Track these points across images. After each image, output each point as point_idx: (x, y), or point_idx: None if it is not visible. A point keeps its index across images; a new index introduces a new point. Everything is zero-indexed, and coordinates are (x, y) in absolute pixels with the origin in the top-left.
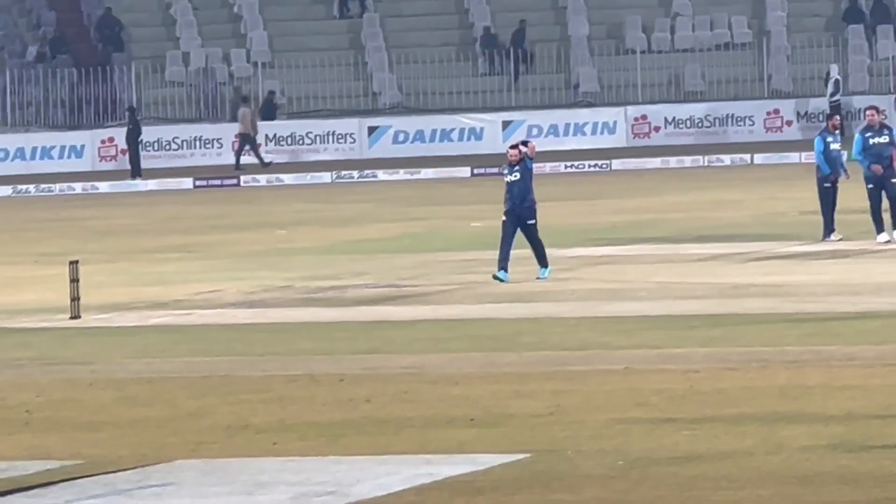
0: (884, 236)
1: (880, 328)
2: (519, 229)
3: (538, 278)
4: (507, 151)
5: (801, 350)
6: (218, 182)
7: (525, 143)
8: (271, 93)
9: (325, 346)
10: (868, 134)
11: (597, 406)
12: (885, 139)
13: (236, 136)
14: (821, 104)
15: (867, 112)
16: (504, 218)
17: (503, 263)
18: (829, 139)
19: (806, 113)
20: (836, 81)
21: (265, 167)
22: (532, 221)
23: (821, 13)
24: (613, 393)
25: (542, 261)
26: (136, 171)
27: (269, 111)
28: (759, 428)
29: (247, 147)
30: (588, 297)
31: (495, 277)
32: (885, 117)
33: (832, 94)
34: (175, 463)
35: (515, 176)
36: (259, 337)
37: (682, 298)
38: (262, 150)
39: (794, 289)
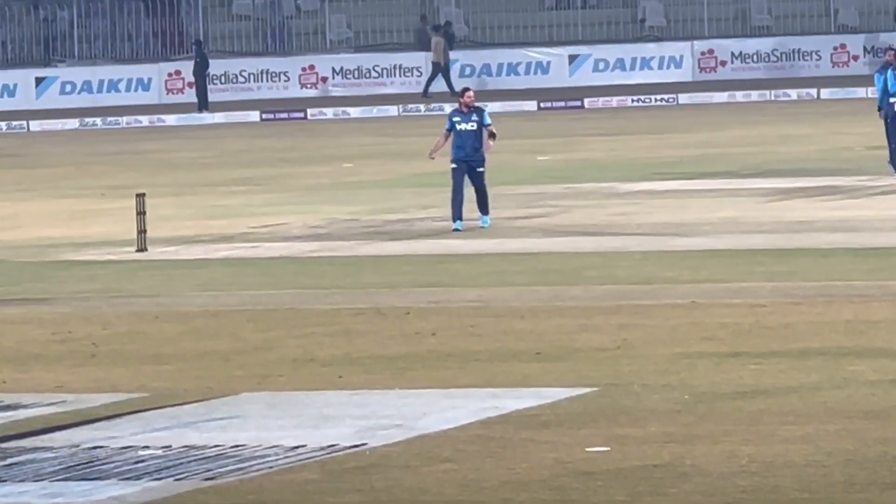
0: None
1: None
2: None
3: (480, 227)
4: (464, 94)
5: (868, 285)
6: (285, 115)
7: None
8: (447, 23)
9: (391, 279)
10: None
11: (662, 340)
12: None
13: (432, 64)
14: (889, 39)
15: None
16: (454, 166)
17: (459, 213)
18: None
19: (873, 48)
20: None
21: (454, 95)
22: (482, 169)
23: None
24: (679, 327)
25: (485, 208)
26: (202, 105)
27: (448, 41)
28: (825, 363)
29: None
30: (653, 232)
31: (455, 230)
32: None
33: None
34: (241, 396)
35: (472, 126)
36: (325, 270)
37: (747, 233)
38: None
39: (861, 223)
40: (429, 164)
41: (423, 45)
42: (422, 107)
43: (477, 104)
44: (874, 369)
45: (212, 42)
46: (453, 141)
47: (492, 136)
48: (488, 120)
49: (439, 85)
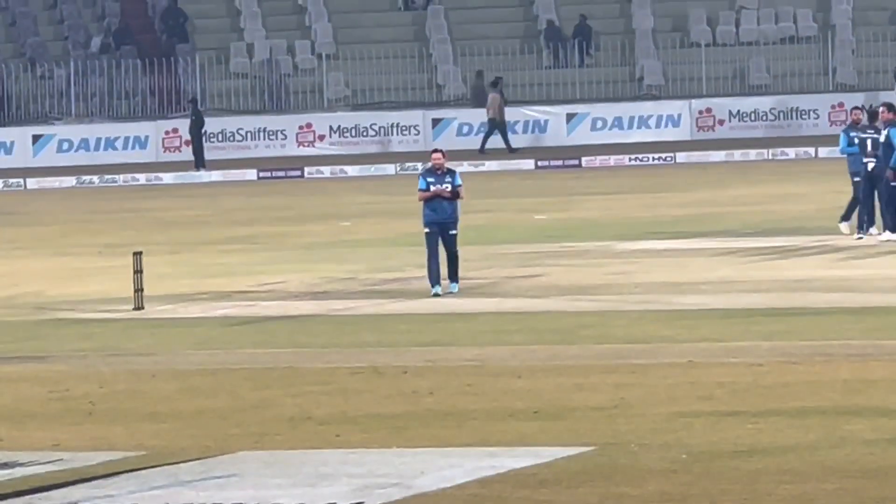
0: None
1: None
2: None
3: (449, 292)
4: (433, 156)
5: (865, 344)
6: (282, 173)
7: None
8: (500, 79)
9: (389, 338)
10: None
11: (660, 399)
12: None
13: (487, 121)
14: (888, 98)
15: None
16: (427, 231)
17: (436, 277)
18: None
19: (871, 106)
20: None
21: (512, 153)
22: (454, 231)
23: (886, 6)
24: (676, 386)
25: (455, 276)
26: (199, 163)
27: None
28: (823, 422)
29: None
30: (651, 291)
31: (435, 295)
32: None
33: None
34: (238, 454)
35: (447, 187)
36: (322, 329)
37: (745, 292)
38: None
39: (858, 283)
40: None
41: (479, 102)
42: (419, 165)
43: (448, 165)
44: (872, 428)
45: (209, 100)
46: (425, 203)
47: (457, 196)
48: (460, 180)
49: (496, 141)
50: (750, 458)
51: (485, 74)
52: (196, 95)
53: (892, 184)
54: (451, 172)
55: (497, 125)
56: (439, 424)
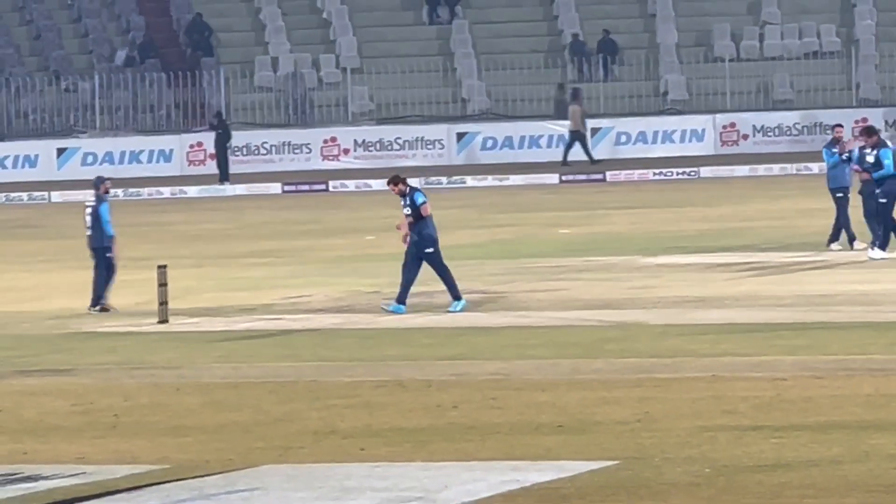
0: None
1: None
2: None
3: (449, 311)
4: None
5: (888, 359)
6: (306, 187)
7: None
8: (578, 90)
9: (413, 351)
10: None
11: (683, 413)
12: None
13: (569, 133)
14: None
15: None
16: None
17: (402, 295)
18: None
19: (894, 121)
20: None
21: (594, 164)
22: (430, 250)
23: None
24: (700, 400)
25: (452, 290)
26: (224, 176)
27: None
28: (846, 436)
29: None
30: (675, 305)
31: (394, 312)
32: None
33: None
34: (262, 468)
35: (407, 211)
36: (346, 342)
37: (768, 307)
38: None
39: (881, 297)
40: (450, 236)
41: (561, 114)
42: (444, 179)
43: (411, 185)
44: (894, 443)
45: (234, 114)
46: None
47: (420, 216)
48: (420, 199)
49: (577, 153)
50: (773, 473)
51: (566, 87)
52: (221, 109)
53: (882, 201)
54: (410, 194)
55: (578, 137)
56: (463, 438)
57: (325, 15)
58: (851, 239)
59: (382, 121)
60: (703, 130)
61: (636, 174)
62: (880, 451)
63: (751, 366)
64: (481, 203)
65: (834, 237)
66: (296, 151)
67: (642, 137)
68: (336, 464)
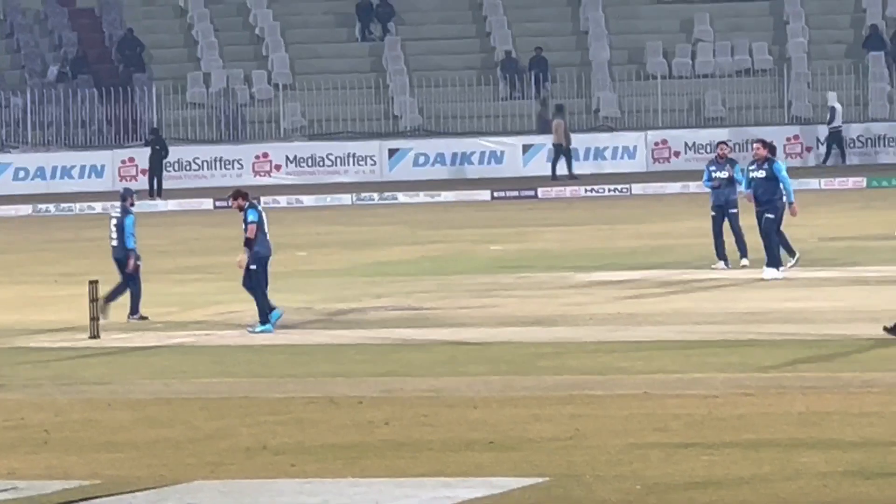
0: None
1: None
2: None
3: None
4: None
5: (820, 376)
6: None
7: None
8: (561, 106)
9: (344, 368)
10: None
11: (615, 431)
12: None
13: (552, 147)
14: (844, 130)
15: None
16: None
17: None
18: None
19: (826, 139)
20: (833, 109)
21: (573, 179)
22: (253, 266)
23: (841, 40)
24: (632, 417)
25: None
26: (155, 192)
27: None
28: (777, 454)
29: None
30: (607, 322)
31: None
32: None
33: (830, 122)
34: (193, 484)
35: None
36: (278, 358)
37: (700, 323)
38: None
39: (813, 314)
40: (382, 253)
41: (543, 129)
42: (375, 196)
43: (252, 202)
44: (826, 461)
45: (166, 129)
46: None
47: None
48: (250, 218)
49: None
50: (705, 490)
51: (549, 102)
52: (154, 125)
53: (767, 216)
54: (246, 211)
55: (562, 150)
56: (394, 455)
57: (257, 31)
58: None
59: (314, 137)
60: (635, 147)
61: (568, 191)
62: (811, 469)
63: (683, 383)
64: (413, 219)
65: (742, 253)
66: (227, 167)
67: (574, 154)
68: (267, 480)
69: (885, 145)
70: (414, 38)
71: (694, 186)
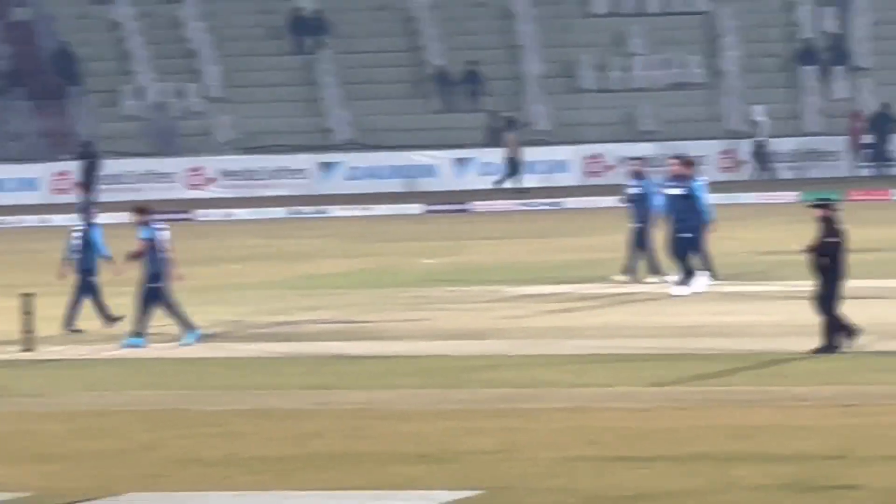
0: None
1: (832, 369)
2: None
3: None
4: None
5: (751, 390)
6: (171, 216)
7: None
8: (513, 119)
9: (277, 380)
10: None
11: (547, 444)
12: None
13: (504, 160)
14: (776, 144)
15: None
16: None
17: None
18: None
19: (754, 152)
20: (759, 123)
21: (522, 192)
22: (153, 284)
23: (774, 54)
24: (564, 431)
25: (181, 327)
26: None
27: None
28: (710, 467)
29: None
30: (539, 335)
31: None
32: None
33: (756, 136)
34: (126, 496)
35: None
36: (211, 371)
37: (632, 337)
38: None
39: (744, 328)
40: (315, 266)
41: (493, 142)
42: (308, 209)
43: (155, 219)
44: (758, 474)
45: (100, 142)
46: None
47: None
48: (144, 234)
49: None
50: (637, 503)
51: (499, 115)
52: (88, 138)
53: (680, 235)
54: (145, 226)
55: (515, 163)
56: (326, 467)
57: (190, 44)
58: (630, 270)
59: (247, 150)
60: (568, 161)
61: (500, 204)
62: (744, 483)
63: (615, 396)
64: (346, 233)
65: (653, 269)
66: (161, 180)
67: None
68: (200, 492)
69: (817, 159)
70: (347, 52)
71: None
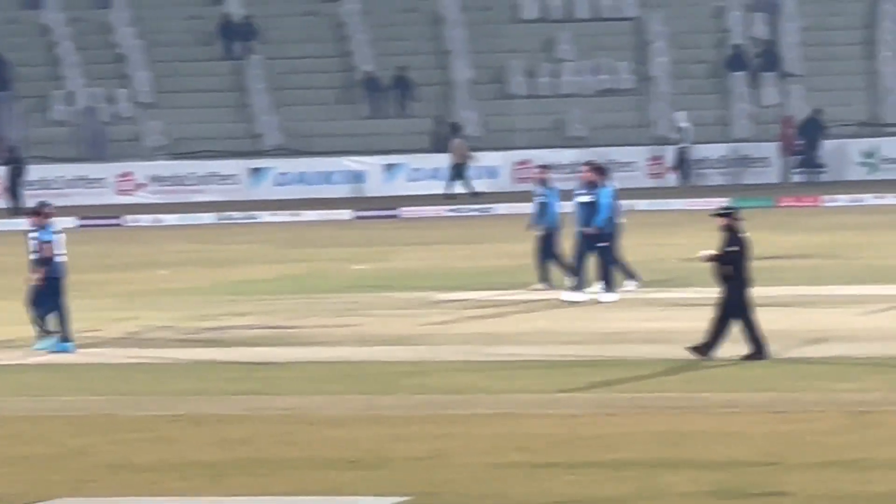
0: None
1: (762, 376)
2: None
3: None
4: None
5: (682, 396)
6: (101, 222)
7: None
8: (457, 125)
9: (207, 386)
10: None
11: (477, 450)
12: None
13: (451, 166)
14: (706, 151)
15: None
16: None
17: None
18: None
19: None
20: (683, 129)
21: (474, 196)
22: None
23: (704, 60)
24: (494, 437)
25: (61, 332)
26: (17, 209)
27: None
28: (639, 473)
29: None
30: (469, 341)
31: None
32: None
33: (679, 142)
34: (56, 501)
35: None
36: (141, 377)
37: (562, 343)
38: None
39: (675, 335)
40: (244, 271)
41: (440, 147)
42: (238, 215)
43: (51, 220)
44: (688, 480)
45: (30, 148)
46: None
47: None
48: (46, 237)
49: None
50: None
51: (445, 121)
52: (16, 143)
53: (600, 245)
54: (43, 228)
55: (461, 169)
56: (256, 473)
57: (120, 50)
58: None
59: (177, 156)
60: (497, 167)
61: (430, 210)
62: (674, 489)
63: (545, 402)
64: (275, 238)
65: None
66: (91, 186)
67: (435, 174)
68: (130, 497)
69: (748, 166)
70: (276, 57)
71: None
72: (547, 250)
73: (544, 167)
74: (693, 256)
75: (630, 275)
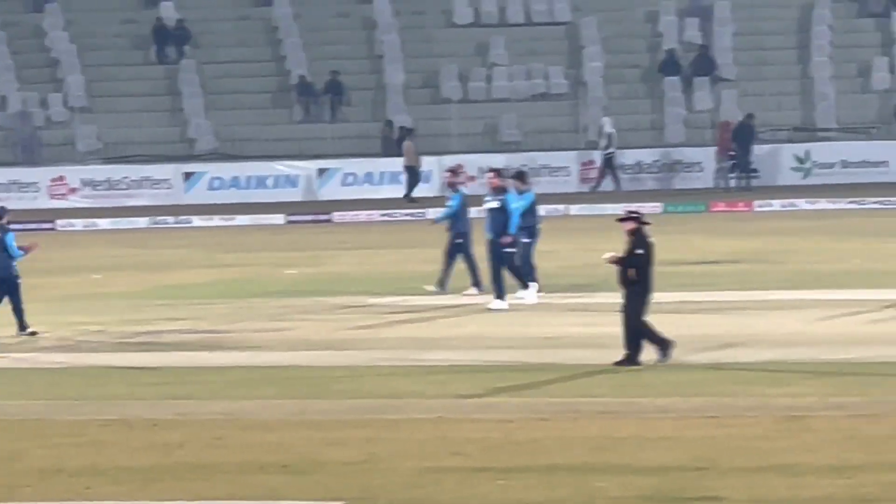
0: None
1: (694, 380)
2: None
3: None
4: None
5: (614, 401)
6: (34, 226)
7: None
8: (408, 129)
9: (139, 390)
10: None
11: (410, 454)
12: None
13: (404, 169)
14: (639, 155)
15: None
16: None
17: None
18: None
19: (622, 164)
20: (609, 135)
21: (410, 202)
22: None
23: (637, 64)
24: (427, 441)
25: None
26: None
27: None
28: (572, 478)
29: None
30: (401, 346)
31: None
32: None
33: (605, 147)
34: None
35: None
36: (73, 381)
37: (494, 348)
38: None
39: (607, 340)
40: (177, 276)
41: (389, 151)
42: (171, 219)
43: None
44: (619, 485)
45: None
46: None
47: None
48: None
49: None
50: None
51: (394, 125)
52: None
53: (507, 250)
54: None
55: (415, 171)
56: (190, 477)
57: (53, 54)
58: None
59: (110, 160)
60: (431, 172)
61: (363, 215)
62: (605, 494)
63: (477, 407)
64: (208, 243)
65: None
66: (23, 190)
67: (369, 178)
68: (62, 502)
69: (680, 170)
70: (209, 62)
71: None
72: (454, 255)
73: (451, 172)
74: (599, 260)
75: (523, 282)
